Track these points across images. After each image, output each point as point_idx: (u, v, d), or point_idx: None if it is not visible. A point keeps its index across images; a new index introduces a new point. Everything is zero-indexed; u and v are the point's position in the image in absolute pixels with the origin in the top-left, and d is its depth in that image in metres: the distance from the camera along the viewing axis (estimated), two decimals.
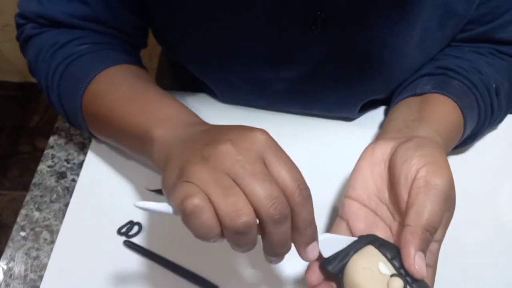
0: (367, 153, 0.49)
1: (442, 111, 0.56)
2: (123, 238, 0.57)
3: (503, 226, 0.60)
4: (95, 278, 0.54)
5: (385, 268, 0.42)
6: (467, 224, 0.59)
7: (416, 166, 0.44)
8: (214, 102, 0.71)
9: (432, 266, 0.44)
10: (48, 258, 0.56)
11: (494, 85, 0.60)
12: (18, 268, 0.56)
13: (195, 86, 0.70)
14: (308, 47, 0.58)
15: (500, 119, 0.65)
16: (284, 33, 0.57)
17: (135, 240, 0.57)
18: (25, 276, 0.55)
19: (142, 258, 0.56)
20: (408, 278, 0.41)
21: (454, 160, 0.65)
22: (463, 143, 0.62)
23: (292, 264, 0.53)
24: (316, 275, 0.44)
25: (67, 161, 0.65)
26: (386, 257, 0.43)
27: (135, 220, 0.58)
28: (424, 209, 0.41)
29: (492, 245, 0.58)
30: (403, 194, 0.44)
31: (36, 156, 1.59)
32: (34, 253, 0.57)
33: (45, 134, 1.77)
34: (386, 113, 0.70)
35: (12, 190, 1.58)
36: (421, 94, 0.58)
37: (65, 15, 0.59)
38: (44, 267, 0.55)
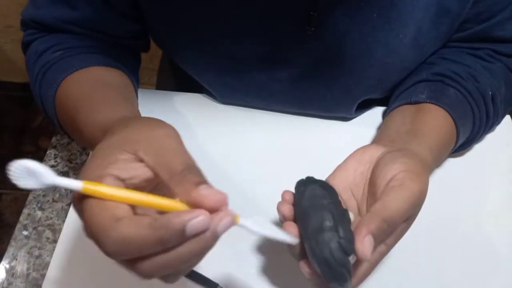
0: (358, 152, 0.50)
1: (434, 124, 0.57)
2: None
3: (502, 225, 0.60)
4: (97, 277, 0.54)
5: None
6: (467, 223, 0.60)
7: (396, 170, 0.45)
8: (214, 102, 0.71)
9: (372, 263, 0.44)
10: (51, 257, 0.56)
11: (490, 93, 0.60)
12: (21, 267, 0.56)
13: (195, 87, 0.71)
14: (302, 47, 0.59)
15: (497, 123, 0.66)
16: (279, 33, 0.58)
17: None
18: (28, 275, 0.56)
19: None
20: (343, 239, 0.41)
21: (453, 161, 0.66)
22: (459, 149, 0.63)
23: (292, 263, 0.53)
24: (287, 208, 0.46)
25: (70, 160, 0.66)
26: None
27: None
28: (390, 203, 0.42)
29: (491, 245, 0.58)
30: (378, 191, 0.45)
31: (39, 156, 1.58)
32: (36, 252, 0.57)
33: (48, 134, 1.78)
34: (382, 113, 0.70)
35: (15, 189, 1.58)
36: (416, 102, 0.59)
37: (55, 20, 0.60)
38: (46, 266, 0.56)
